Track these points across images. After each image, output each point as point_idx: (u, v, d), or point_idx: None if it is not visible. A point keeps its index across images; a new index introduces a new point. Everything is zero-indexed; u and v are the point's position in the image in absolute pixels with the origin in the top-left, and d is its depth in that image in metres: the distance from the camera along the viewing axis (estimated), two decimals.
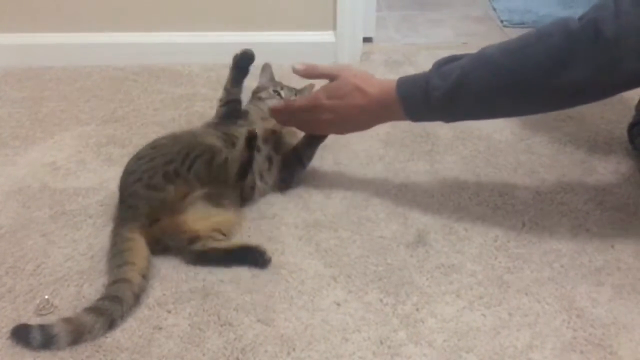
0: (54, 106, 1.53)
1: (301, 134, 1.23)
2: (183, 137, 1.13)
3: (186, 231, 1.03)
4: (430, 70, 1.05)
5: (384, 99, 1.07)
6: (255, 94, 1.31)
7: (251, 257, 1.03)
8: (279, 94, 1.29)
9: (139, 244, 1.00)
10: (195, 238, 1.03)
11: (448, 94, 1.01)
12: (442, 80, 1.01)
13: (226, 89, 1.24)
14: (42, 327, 0.88)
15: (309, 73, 1.17)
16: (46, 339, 0.87)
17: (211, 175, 1.06)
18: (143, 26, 1.73)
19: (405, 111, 1.06)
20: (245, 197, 1.15)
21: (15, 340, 0.89)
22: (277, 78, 1.36)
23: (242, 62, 1.22)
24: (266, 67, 1.35)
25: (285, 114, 1.17)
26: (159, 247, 1.03)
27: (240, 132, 1.17)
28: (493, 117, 1.21)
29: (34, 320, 0.91)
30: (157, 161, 1.06)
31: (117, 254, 0.99)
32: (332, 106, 1.10)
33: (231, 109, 1.23)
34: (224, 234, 1.06)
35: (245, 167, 1.09)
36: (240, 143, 1.09)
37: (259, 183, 1.16)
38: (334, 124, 1.13)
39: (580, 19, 0.95)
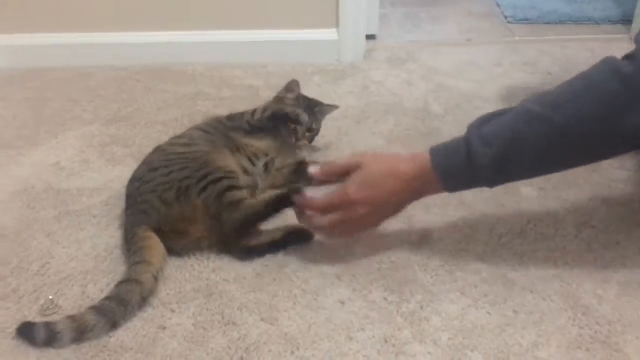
0: (58, 107, 1.53)
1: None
2: (198, 154, 1.10)
3: (204, 236, 1.04)
4: (469, 136, 0.94)
5: (419, 174, 0.97)
6: (276, 104, 1.28)
7: (296, 238, 1.06)
8: (295, 131, 1.24)
9: (156, 243, 1.01)
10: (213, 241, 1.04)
11: (497, 161, 0.91)
12: (487, 147, 0.91)
13: (262, 118, 1.23)
14: (47, 325, 0.89)
15: (327, 174, 1.05)
16: (50, 336, 0.88)
17: (218, 209, 1.02)
18: (146, 26, 1.73)
19: (446, 185, 0.96)
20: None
21: (20, 338, 0.89)
22: (280, 77, 1.35)
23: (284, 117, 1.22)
24: (293, 85, 1.30)
25: (309, 217, 1.03)
26: (171, 251, 1.03)
27: (245, 142, 1.17)
28: (548, 174, 1.06)
29: (39, 321, 0.91)
30: (173, 176, 1.05)
31: (136, 250, 1.00)
32: (366, 199, 0.97)
33: (252, 131, 1.22)
34: None
35: (255, 220, 1.04)
36: (270, 196, 1.05)
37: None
38: (372, 217, 1.00)
39: (628, 58, 0.88)
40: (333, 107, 1.32)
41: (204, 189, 1.03)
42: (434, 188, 0.98)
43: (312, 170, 1.07)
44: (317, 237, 1.08)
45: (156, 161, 1.11)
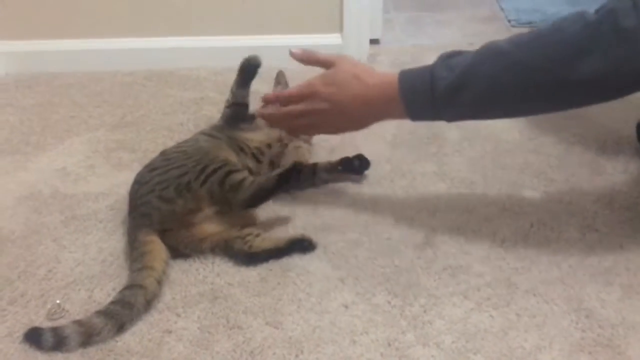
0: (64, 112, 1.54)
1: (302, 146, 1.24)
2: (196, 151, 1.12)
3: (206, 237, 1.05)
4: (436, 62, 0.98)
5: (384, 90, 1.00)
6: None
7: (299, 246, 1.07)
8: None
9: (158, 246, 1.02)
10: (223, 241, 1.05)
11: (454, 84, 0.94)
12: (449, 71, 0.95)
13: (232, 92, 1.26)
14: (54, 329, 0.90)
15: (306, 58, 1.10)
16: (58, 341, 0.89)
17: (222, 193, 1.05)
18: (151, 32, 1.74)
19: (406, 104, 0.99)
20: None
21: (28, 343, 0.90)
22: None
23: (249, 67, 1.23)
24: (279, 76, 1.35)
25: (277, 113, 1.09)
26: (174, 253, 1.04)
27: (245, 137, 1.18)
28: (499, 115, 1.10)
29: (46, 325, 0.92)
30: (171, 173, 1.06)
31: (137, 257, 1.00)
32: (328, 95, 1.03)
33: (235, 112, 1.24)
34: (256, 226, 1.08)
35: (264, 195, 1.07)
36: (273, 173, 1.08)
37: None
38: (329, 117, 1.05)
39: (597, 11, 0.91)
40: None
41: (205, 180, 1.05)
42: (397, 110, 1.00)
43: (295, 50, 1.09)
44: (319, 242, 1.09)
45: (156, 162, 1.12)
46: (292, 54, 1.10)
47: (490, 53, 0.95)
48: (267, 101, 1.12)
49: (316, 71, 1.09)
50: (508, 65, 0.93)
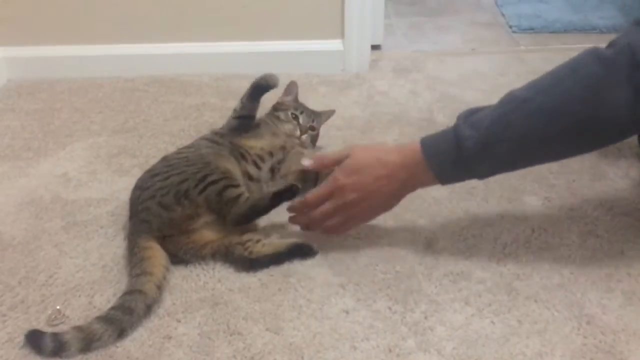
0: (66, 118, 1.55)
1: (304, 153, 1.24)
2: (198, 158, 1.12)
3: (207, 243, 1.06)
4: (457, 123, 0.96)
5: (407, 162, 0.98)
6: (275, 110, 1.32)
7: (300, 252, 1.06)
8: (296, 118, 1.29)
9: (158, 252, 1.02)
10: (224, 247, 1.05)
11: (482, 141, 0.93)
12: (473, 130, 0.93)
13: (242, 102, 1.26)
14: (54, 335, 0.90)
15: (320, 165, 1.10)
16: (57, 346, 0.89)
17: (219, 205, 1.05)
18: (153, 38, 1.74)
19: (435, 170, 0.97)
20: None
21: (27, 345, 0.90)
22: (285, 87, 1.37)
23: (264, 86, 1.24)
24: (291, 86, 1.35)
25: (311, 218, 1.06)
26: (174, 259, 1.05)
27: (247, 144, 1.18)
28: (534, 162, 1.05)
29: (46, 331, 0.92)
30: (171, 180, 1.06)
31: (137, 262, 1.01)
32: (353, 184, 1.01)
33: (242, 124, 1.25)
34: (256, 231, 1.08)
35: (254, 214, 1.07)
36: (267, 190, 1.08)
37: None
38: (361, 205, 1.02)
39: (610, 45, 0.91)
40: (330, 112, 1.35)
41: (204, 189, 1.05)
42: (425, 177, 0.99)
43: (306, 162, 1.09)
44: (320, 248, 1.08)
45: (157, 168, 1.12)
46: (305, 168, 1.10)
47: (513, 103, 0.93)
48: (293, 210, 1.09)
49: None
50: (534, 112, 0.91)
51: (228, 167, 1.12)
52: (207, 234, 1.06)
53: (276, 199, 1.05)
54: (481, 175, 0.99)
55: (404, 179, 1.00)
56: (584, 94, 0.89)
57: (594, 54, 0.90)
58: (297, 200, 1.08)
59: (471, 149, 0.93)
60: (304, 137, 1.29)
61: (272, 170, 1.20)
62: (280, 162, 1.21)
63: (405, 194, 1.04)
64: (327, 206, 1.03)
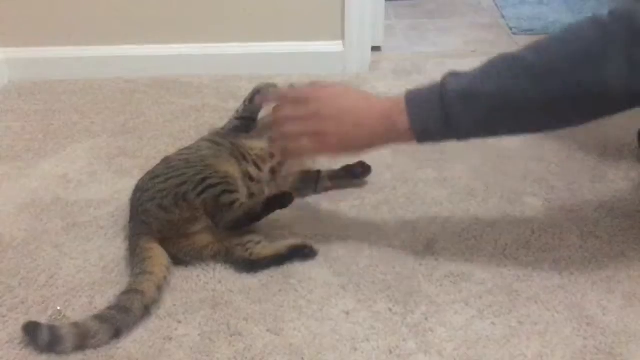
0: (66, 119, 1.55)
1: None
2: (198, 159, 1.12)
3: (207, 245, 1.06)
4: (443, 75, 0.92)
5: (389, 102, 0.94)
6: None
7: (300, 254, 1.07)
8: None
9: (159, 252, 1.02)
10: (224, 248, 1.05)
11: (464, 90, 0.88)
12: (459, 79, 0.89)
13: (244, 104, 1.26)
14: (51, 327, 0.90)
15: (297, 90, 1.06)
16: (53, 340, 0.89)
17: (215, 209, 1.05)
18: (153, 39, 1.74)
19: (410, 112, 0.91)
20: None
21: (24, 336, 0.91)
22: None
23: (263, 92, 1.24)
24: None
25: (277, 107, 1.03)
26: (175, 260, 1.05)
27: (248, 144, 1.19)
28: (514, 126, 0.95)
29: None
30: (170, 182, 1.06)
31: (138, 262, 1.01)
32: (331, 99, 0.97)
33: (244, 125, 1.25)
34: (257, 233, 1.08)
35: (247, 221, 1.06)
36: (261, 198, 1.08)
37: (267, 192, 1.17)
38: (332, 122, 0.95)
39: (611, 13, 0.85)
40: None
41: (202, 192, 1.05)
42: (401, 120, 0.91)
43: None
44: (321, 249, 1.09)
45: (158, 169, 1.12)
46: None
47: (504, 61, 0.89)
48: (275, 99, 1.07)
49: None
50: (522, 69, 0.87)
51: (228, 170, 1.12)
52: (207, 237, 1.06)
53: (269, 205, 1.05)
54: (458, 132, 0.91)
55: (381, 115, 0.94)
56: (575, 58, 0.85)
57: (593, 19, 0.86)
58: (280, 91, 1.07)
59: (452, 97, 0.88)
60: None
61: (273, 172, 1.20)
62: (281, 163, 1.21)
63: (379, 140, 0.96)
64: (300, 110, 0.97)
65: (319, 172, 1.24)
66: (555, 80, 0.85)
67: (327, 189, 1.24)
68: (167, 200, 1.04)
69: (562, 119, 0.92)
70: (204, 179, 1.06)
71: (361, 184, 1.26)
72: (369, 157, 1.35)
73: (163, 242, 1.04)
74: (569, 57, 0.85)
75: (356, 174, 1.25)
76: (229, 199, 1.06)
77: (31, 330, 0.91)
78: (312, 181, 1.22)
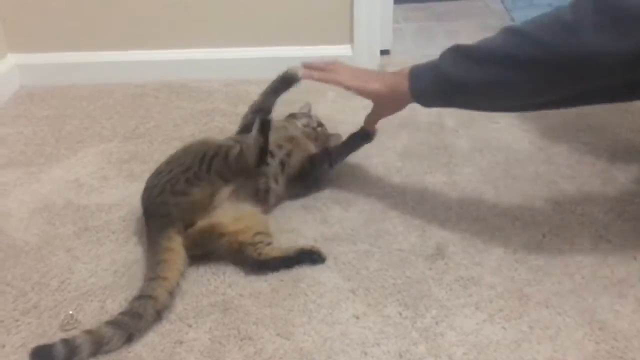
0: (77, 124, 1.56)
1: (312, 147, 1.26)
2: (193, 146, 1.15)
3: (224, 234, 1.06)
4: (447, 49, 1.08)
5: (394, 73, 1.13)
6: (291, 115, 1.36)
7: (309, 258, 1.08)
8: (310, 117, 1.35)
9: (176, 256, 1.03)
10: (238, 244, 1.06)
11: (459, 55, 1.03)
12: (455, 50, 1.04)
13: (262, 97, 1.24)
14: (65, 341, 0.90)
15: (311, 70, 1.19)
16: (70, 351, 0.89)
17: (231, 170, 1.09)
18: (163, 44, 1.76)
19: (410, 76, 1.08)
20: (261, 201, 1.15)
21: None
22: (294, 93, 1.36)
23: (288, 80, 1.22)
24: (305, 106, 1.41)
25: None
26: (199, 251, 1.05)
27: None
28: (504, 97, 1.05)
29: (59, 336, 0.93)
30: (175, 171, 1.08)
31: (153, 265, 1.01)
32: (348, 68, 1.18)
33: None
34: (268, 234, 1.09)
35: (263, 152, 1.11)
36: (254, 131, 1.11)
37: (273, 186, 1.18)
38: (349, 70, 1.17)
39: None
40: (337, 136, 1.35)
41: (209, 166, 1.08)
42: (403, 82, 1.09)
43: (299, 72, 1.19)
44: (330, 253, 1.09)
45: (159, 168, 1.14)
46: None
47: (501, 31, 1.02)
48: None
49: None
50: (515, 34, 0.98)
51: (223, 142, 1.15)
52: (226, 219, 1.06)
53: (261, 132, 1.09)
54: (450, 99, 1.10)
55: (388, 77, 1.14)
56: (552, 27, 0.94)
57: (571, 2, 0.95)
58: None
59: (447, 57, 1.05)
60: (319, 128, 1.33)
61: (282, 164, 1.20)
62: (289, 154, 1.21)
63: (387, 92, 1.13)
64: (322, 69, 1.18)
65: (326, 148, 1.27)
66: (545, 51, 0.94)
67: (342, 158, 1.28)
68: (179, 186, 1.06)
69: (546, 89, 1.00)
70: (203, 157, 1.09)
71: (370, 189, 1.26)
72: (378, 161, 1.35)
73: (185, 230, 1.04)
74: (550, 27, 0.95)
75: (364, 137, 1.26)
76: (234, 152, 1.09)
77: (43, 353, 0.89)
78: (325, 158, 1.24)
